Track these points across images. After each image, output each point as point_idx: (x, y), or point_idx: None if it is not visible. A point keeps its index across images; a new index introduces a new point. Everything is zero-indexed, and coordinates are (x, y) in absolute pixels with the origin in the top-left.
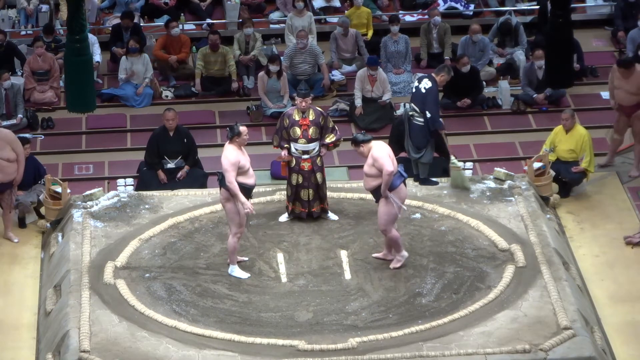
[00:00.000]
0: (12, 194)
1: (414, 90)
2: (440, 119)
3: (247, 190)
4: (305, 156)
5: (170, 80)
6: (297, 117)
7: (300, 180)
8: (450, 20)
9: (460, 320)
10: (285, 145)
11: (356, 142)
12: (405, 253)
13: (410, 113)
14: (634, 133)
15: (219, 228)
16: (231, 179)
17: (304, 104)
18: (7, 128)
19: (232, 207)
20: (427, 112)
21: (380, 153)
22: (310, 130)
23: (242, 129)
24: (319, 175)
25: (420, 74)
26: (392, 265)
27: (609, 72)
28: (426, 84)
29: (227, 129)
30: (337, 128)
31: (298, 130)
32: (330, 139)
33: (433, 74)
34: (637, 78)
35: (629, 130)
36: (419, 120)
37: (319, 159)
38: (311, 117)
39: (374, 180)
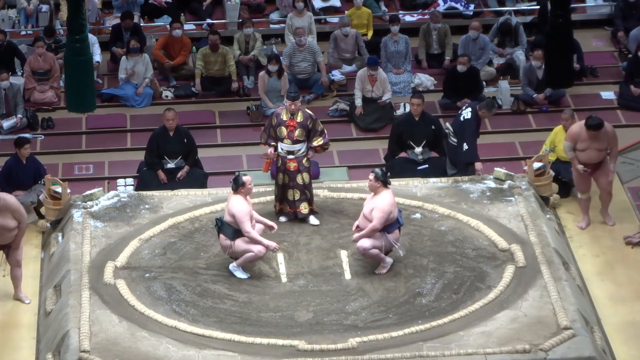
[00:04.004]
0: (15, 251)
1: (459, 112)
2: (476, 152)
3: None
4: (291, 156)
5: (170, 80)
6: (284, 117)
7: (287, 180)
8: (450, 20)
9: (460, 320)
10: (272, 143)
11: (377, 176)
12: (389, 259)
13: (446, 131)
14: (600, 187)
15: None
16: (248, 228)
17: (293, 106)
18: (7, 128)
19: (240, 243)
20: (464, 144)
21: (385, 207)
22: (296, 132)
23: (246, 178)
24: (305, 176)
25: (467, 102)
26: (377, 271)
27: (608, 72)
28: (467, 114)
29: (231, 181)
30: (326, 132)
31: (284, 130)
32: (317, 142)
33: (477, 106)
34: (605, 134)
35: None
36: (453, 140)
37: (305, 159)
38: (299, 119)
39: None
